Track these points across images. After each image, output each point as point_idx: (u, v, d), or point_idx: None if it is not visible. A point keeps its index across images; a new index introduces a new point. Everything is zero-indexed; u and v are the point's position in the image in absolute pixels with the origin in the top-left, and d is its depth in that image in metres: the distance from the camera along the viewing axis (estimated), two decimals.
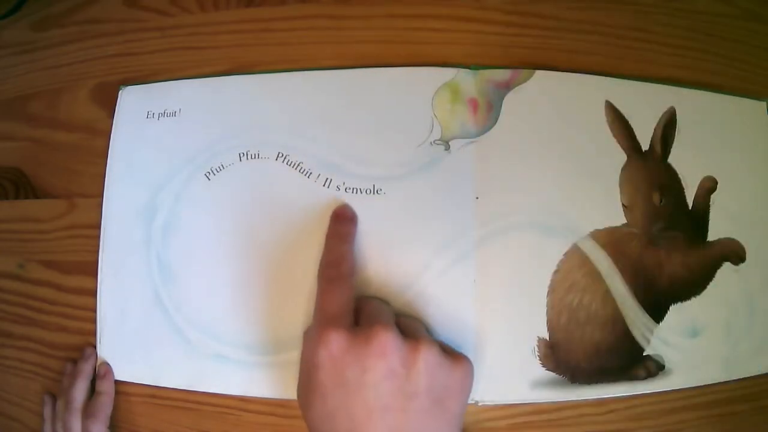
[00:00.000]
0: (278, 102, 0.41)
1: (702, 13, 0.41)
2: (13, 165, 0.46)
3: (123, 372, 0.40)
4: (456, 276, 0.37)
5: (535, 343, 0.36)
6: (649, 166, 0.38)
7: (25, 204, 0.45)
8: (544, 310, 0.37)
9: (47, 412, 0.41)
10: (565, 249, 0.37)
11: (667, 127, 0.39)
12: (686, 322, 0.37)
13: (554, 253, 0.37)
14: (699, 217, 0.38)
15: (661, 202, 0.38)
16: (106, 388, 0.39)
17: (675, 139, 0.39)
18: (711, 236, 0.38)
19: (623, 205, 0.38)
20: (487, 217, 0.37)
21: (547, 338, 0.36)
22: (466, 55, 0.40)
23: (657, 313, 0.37)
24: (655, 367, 0.37)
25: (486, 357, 0.36)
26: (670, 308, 0.37)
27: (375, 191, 0.38)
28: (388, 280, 0.37)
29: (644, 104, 0.39)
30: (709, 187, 0.38)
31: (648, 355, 0.37)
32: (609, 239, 0.37)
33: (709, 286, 0.38)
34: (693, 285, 0.38)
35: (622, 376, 0.37)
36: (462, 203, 0.38)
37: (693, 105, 0.39)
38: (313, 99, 0.40)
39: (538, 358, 0.36)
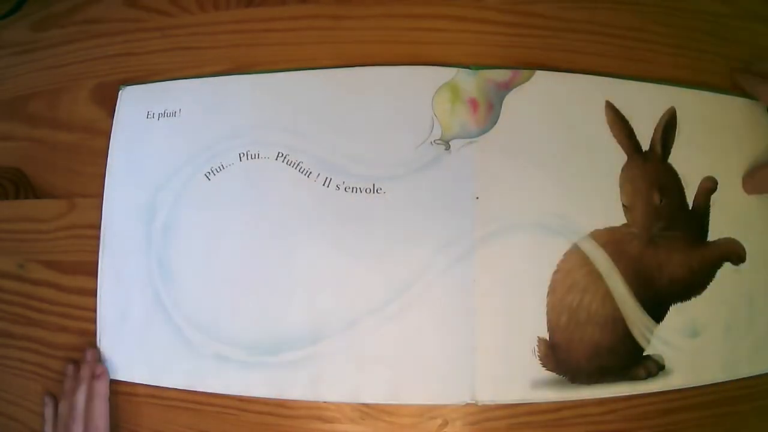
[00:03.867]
0: (278, 102, 0.41)
1: (702, 13, 0.41)
2: (13, 165, 0.46)
3: (123, 372, 0.40)
4: (456, 276, 0.37)
5: (536, 343, 0.36)
6: (649, 166, 0.38)
7: (25, 204, 0.45)
8: (544, 310, 0.37)
9: (48, 413, 0.41)
10: (565, 249, 0.37)
11: (668, 127, 0.38)
12: (686, 322, 0.37)
13: (554, 253, 0.37)
14: (699, 217, 0.38)
15: (661, 202, 0.38)
16: (100, 389, 0.39)
17: (675, 140, 0.39)
18: (711, 236, 0.38)
19: (623, 205, 0.38)
20: (487, 217, 0.37)
21: (548, 338, 0.36)
22: (466, 55, 0.40)
23: (657, 313, 0.37)
24: (655, 367, 0.37)
25: (486, 357, 0.36)
26: (671, 308, 0.37)
27: (375, 191, 0.38)
28: (388, 280, 0.37)
29: (644, 104, 0.39)
30: (709, 187, 0.38)
31: (648, 355, 0.37)
32: (609, 239, 0.37)
33: (709, 286, 0.38)
34: (693, 285, 0.38)
35: (622, 376, 0.37)
36: (462, 203, 0.38)
37: (693, 105, 0.39)
38: (313, 99, 0.40)
39: (538, 358, 0.36)
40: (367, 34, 0.41)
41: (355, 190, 0.39)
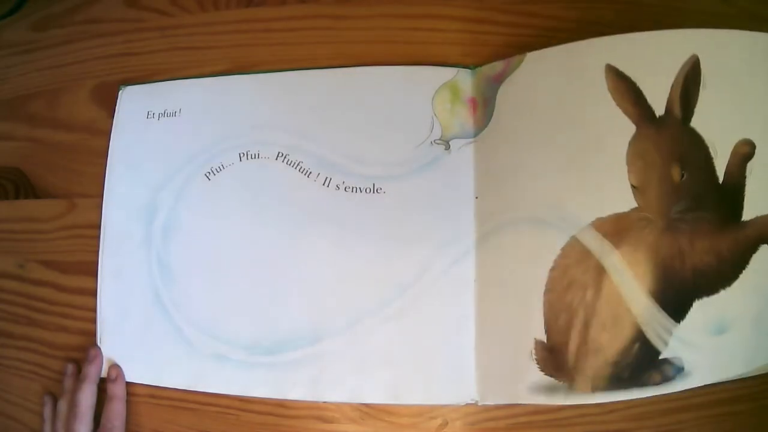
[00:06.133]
0: (278, 102, 0.41)
1: (702, 13, 0.41)
2: (13, 165, 0.46)
3: (123, 372, 0.40)
4: (456, 276, 0.37)
5: (533, 345, 0.34)
6: (666, 135, 0.32)
7: (25, 204, 0.45)
8: (541, 310, 0.34)
9: (47, 412, 0.41)
10: (562, 243, 0.34)
11: (689, 81, 0.31)
12: (713, 318, 0.31)
13: (551, 248, 0.34)
14: (732, 192, 0.31)
15: (682, 177, 0.31)
16: (118, 392, 0.39)
17: (699, 97, 0.31)
18: (747, 214, 0.31)
19: (632, 186, 0.32)
20: (487, 216, 0.37)
21: (545, 341, 0.34)
22: (465, 55, 0.40)
23: (678, 310, 0.31)
24: (672, 371, 0.32)
25: (486, 357, 0.36)
26: (694, 304, 0.31)
27: (375, 190, 0.38)
28: (388, 280, 0.37)
29: (656, 59, 0.32)
30: (745, 153, 0.31)
31: (665, 359, 0.32)
32: (615, 228, 0.32)
33: (741, 276, 0.31)
34: (723, 275, 0.31)
35: (632, 383, 0.32)
36: (462, 203, 0.38)
37: (719, 50, 0.31)
38: (313, 99, 0.40)
39: (535, 361, 0.34)
40: (367, 34, 0.41)
41: (355, 190, 0.39)
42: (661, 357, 0.32)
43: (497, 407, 0.37)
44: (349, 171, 0.39)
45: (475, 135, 0.38)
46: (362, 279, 0.38)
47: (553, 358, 0.34)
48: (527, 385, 0.34)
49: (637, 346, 0.32)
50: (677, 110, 0.31)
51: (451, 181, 0.38)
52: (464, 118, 0.38)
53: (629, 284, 0.32)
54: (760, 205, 0.31)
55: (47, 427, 0.40)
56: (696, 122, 0.31)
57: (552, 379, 0.34)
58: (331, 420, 0.38)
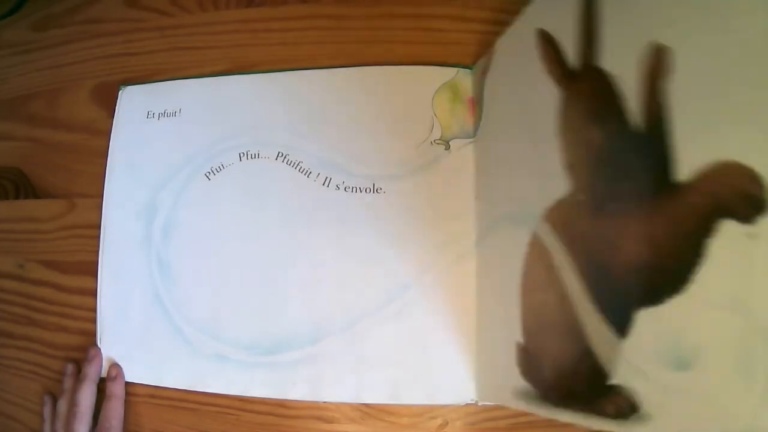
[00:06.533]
0: (278, 102, 0.41)
1: None
2: (13, 165, 0.46)
3: (123, 372, 0.40)
4: (456, 276, 0.37)
5: (515, 348, 0.31)
6: (579, 89, 0.24)
7: (25, 204, 0.45)
8: (518, 312, 0.31)
9: (47, 412, 0.41)
10: (527, 239, 0.29)
11: (586, 7, 0.24)
12: (665, 339, 0.20)
13: (521, 245, 0.30)
14: (652, 138, 0.20)
15: (601, 138, 0.23)
16: (117, 390, 0.39)
17: (600, 18, 0.23)
18: (683, 169, 0.19)
19: (566, 163, 0.25)
20: (484, 215, 0.37)
21: (523, 344, 0.30)
22: (465, 55, 0.40)
23: (620, 321, 0.22)
24: (625, 405, 0.22)
25: (484, 358, 0.36)
26: (638, 315, 0.21)
27: (375, 190, 0.38)
28: (388, 280, 0.37)
29: (565, 5, 0.25)
30: (656, 66, 0.20)
31: (616, 386, 0.23)
32: (558, 217, 0.26)
33: (699, 274, 0.19)
34: (665, 274, 0.20)
35: (588, 407, 0.25)
36: (462, 203, 0.38)
37: None
38: (313, 98, 0.40)
39: (516, 365, 0.31)
40: (367, 34, 0.41)
41: (355, 190, 0.39)
42: (611, 382, 0.23)
43: (497, 407, 0.37)
44: (349, 171, 0.39)
45: (474, 135, 0.38)
46: (362, 279, 0.38)
47: (528, 363, 0.30)
48: (511, 389, 0.31)
49: (585, 360, 0.25)
50: (583, 50, 0.24)
51: (451, 181, 0.38)
52: (464, 118, 0.38)
53: (573, 283, 0.25)
54: (701, 148, 0.18)
55: (47, 427, 0.40)
56: (602, 58, 0.23)
57: (529, 386, 0.30)
58: (331, 420, 0.38)
